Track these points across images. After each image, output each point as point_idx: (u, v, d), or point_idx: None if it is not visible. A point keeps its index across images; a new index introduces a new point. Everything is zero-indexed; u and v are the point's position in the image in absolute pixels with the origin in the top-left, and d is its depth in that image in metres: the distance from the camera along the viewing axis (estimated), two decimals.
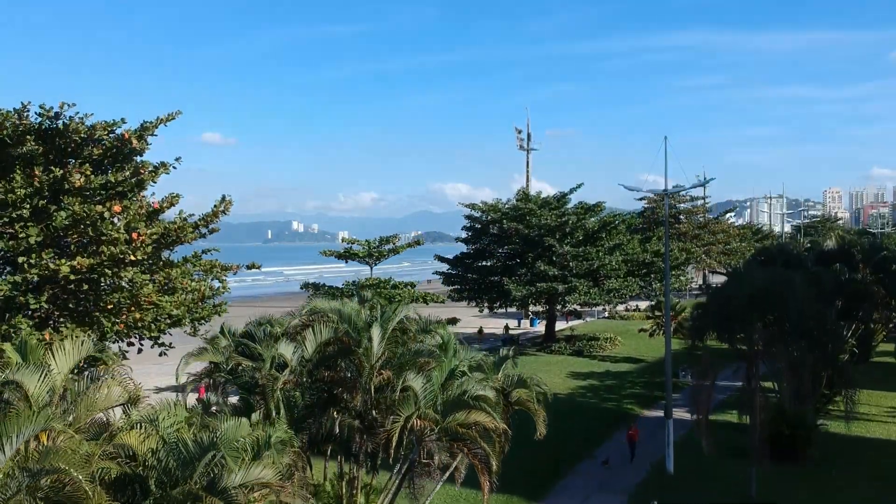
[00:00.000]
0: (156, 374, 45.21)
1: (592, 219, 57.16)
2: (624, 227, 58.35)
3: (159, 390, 47.65)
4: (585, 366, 51.95)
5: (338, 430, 17.15)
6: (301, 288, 44.86)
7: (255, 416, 16.39)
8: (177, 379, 18.70)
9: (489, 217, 57.37)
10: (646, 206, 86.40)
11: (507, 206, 61.56)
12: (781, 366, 26.04)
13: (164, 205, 24.80)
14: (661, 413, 38.75)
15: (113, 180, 22.40)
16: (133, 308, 23.97)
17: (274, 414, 15.33)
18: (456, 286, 62.04)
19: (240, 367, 17.16)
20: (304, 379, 16.59)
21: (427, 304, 41.89)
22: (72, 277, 21.70)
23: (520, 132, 77.51)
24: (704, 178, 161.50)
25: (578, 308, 60.16)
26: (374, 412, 16.22)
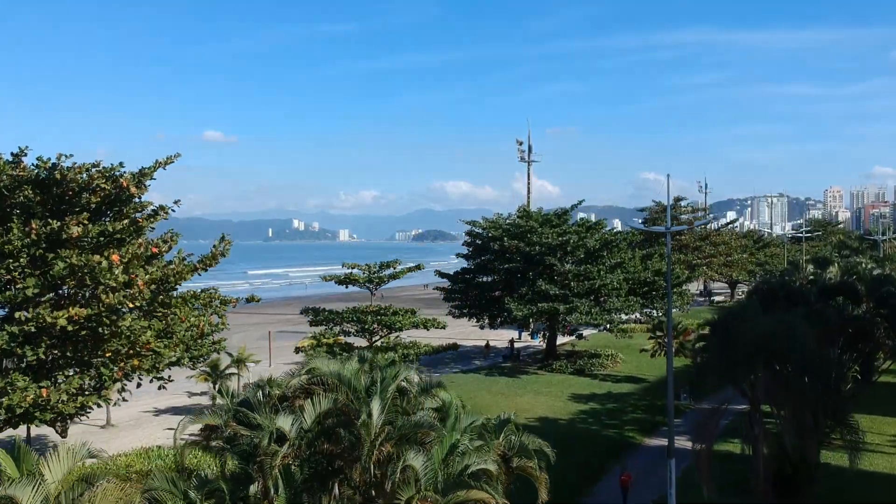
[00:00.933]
0: (154, 395, 45.18)
1: (595, 236, 56.91)
2: (626, 244, 58.09)
3: (158, 412, 47.65)
4: (587, 387, 51.76)
5: None
6: (300, 313, 44.62)
7: (253, 488, 16.22)
8: (174, 442, 18.49)
9: (490, 234, 57.19)
10: (647, 217, 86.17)
11: (507, 221, 61.39)
12: (784, 408, 25.84)
13: (164, 248, 24.69)
14: (662, 441, 38.60)
15: (111, 229, 22.23)
16: (132, 354, 23.84)
17: (272, 492, 15.14)
18: (456, 302, 61.91)
19: (238, 435, 16.96)
20: (304, 451, 16.39)
21: (427, 329, 41.69)
22: (69, 329, 21.55)
23: (521, 143, 77.21)
24: (706, 186, 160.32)
25: (579, 328, 59.96)
26: (372, 491, 16.04)
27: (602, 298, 54.98)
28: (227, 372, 47.64)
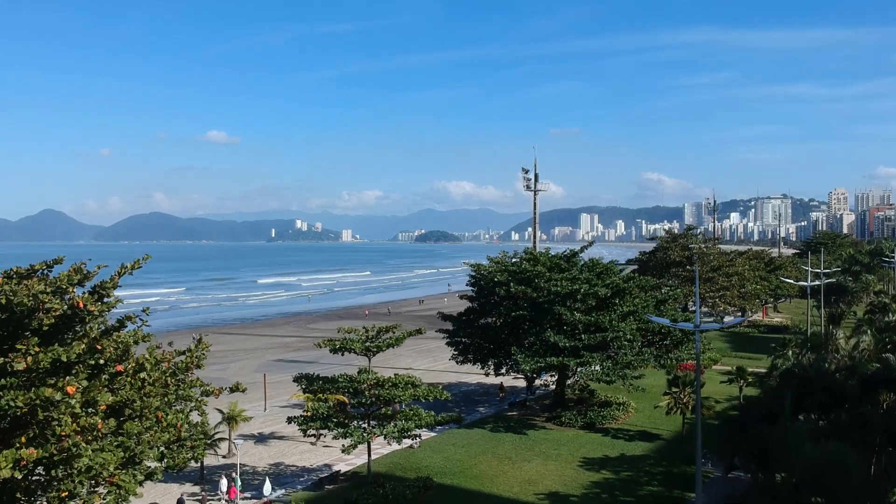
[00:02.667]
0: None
1: (607, 280, 53.94)
2: (638, 289, 55.08)
3: None
4: (598, 447, 48.79)
5: None
6: (293, 381, 41.83)
7: None
8: None
9: (496, 279, 54.32)
10: (657, 246, 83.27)
11: (513, 261, 58.57)
12: None
13: (129, 366, 21.80)
14: None
15: (64, 359, 19.37)
16: (92, 489, 21.01)
17: None
18: (460, 347, 59.15)
19: None
20: None
21: (430, 400, 38.88)
22: (17, 475, 18.76)
23: (526, 172, 74.38)
24: (714, 203, 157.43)
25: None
26: None
27: (614, 351, 52.08)
28: (216, 436, 44.75)
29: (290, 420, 40.58)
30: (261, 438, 54.25)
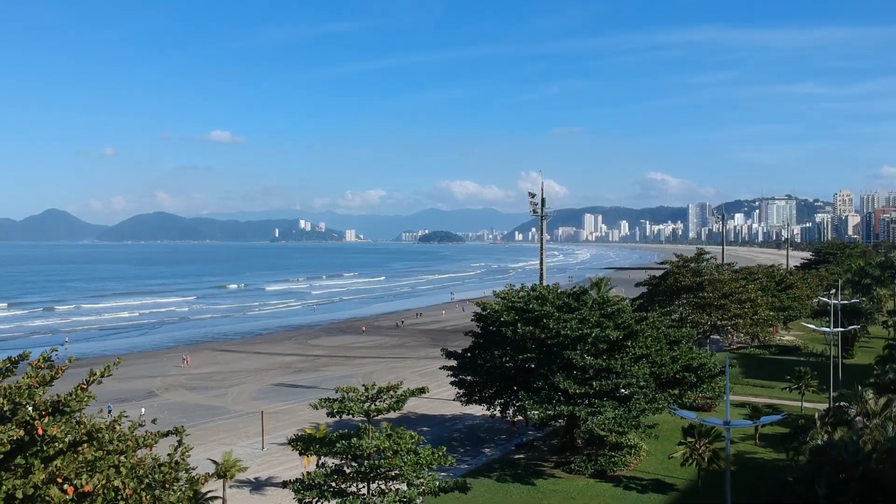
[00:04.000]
0: None
1: (619, 319, 51.59)
2: (651, 330, 52.70)
3: None
4: (610, 500, 46.44)
5: None
6: (288, 443, 39.42)
7: None
8: None
9: (503, 318, 52.04)
10: (667, 270, 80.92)
11: (520, 295, 56.24)
12: None
13: (99, 483, 19.52)
14: None
15: (20, 496, 17.14)
16: None
17: None
18: (466, 387, 56.87)
19: None
20: None
21: (434, 467, 36.55)
22: None
23: (532, 196, 72.14)
24: (723, 217, 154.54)
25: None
26: None
27: (627, 398, 49.71)
28: (208, 496, 42.35)
29: (285, 485, 38.33)
30: (257, 486, 51.92)
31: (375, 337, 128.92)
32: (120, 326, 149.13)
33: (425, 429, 61.66)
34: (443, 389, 75.01)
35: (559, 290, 56.33)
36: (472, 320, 58.97)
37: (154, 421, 26.54)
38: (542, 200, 71.19)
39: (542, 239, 71.91)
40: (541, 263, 70.25)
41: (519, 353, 51.03)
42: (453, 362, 58.52)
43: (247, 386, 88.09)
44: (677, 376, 51.68)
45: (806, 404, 65.37)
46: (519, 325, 51.37)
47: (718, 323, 73.79)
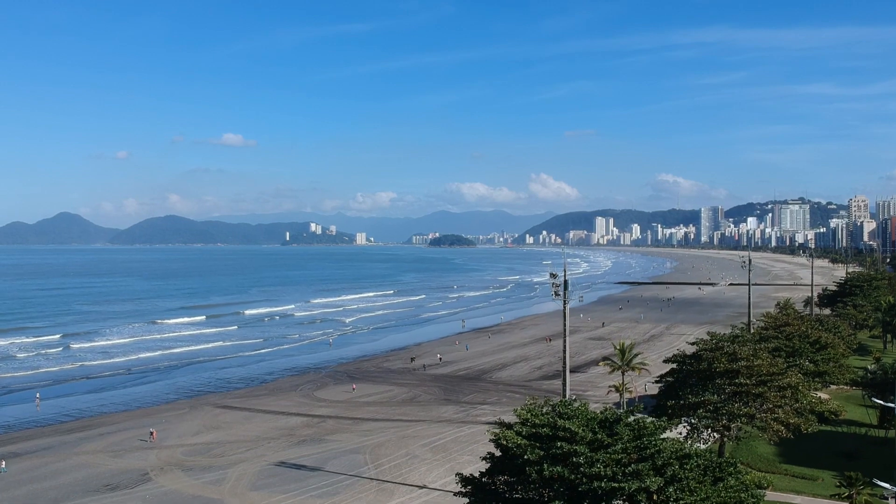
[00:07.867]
0: None
1: (659, 463, 45.51)
2: (695, 471, 46.51)
3: None
4: None
5: None
6: None
7: None
8: None
9: (526, 456, 46.24)
10: (697, 351, 75.06)
11: (544, 414, 50.42)
12: None
13: None
14: None
15: None
16: None
17: None
18: None
19: None
20: None
21: None
22: None
23: (554, 277, 66.59)
24: (748, 263, 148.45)
25: None
26: None
27: None
28: None
29: None
30: None
31: (384, 387, 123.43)
32: (117, 365, 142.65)
33: None
34: (458, 466, 69.89)
35: (588, 415, 50.50)
36: (490, 442, 53.19)
37: None
38: (565, 282, 65.74)
39: (565, 341, 66.59)
40: (564, 366, 64.86)
41: (545, 500, 45.27)
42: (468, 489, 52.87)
43: (247, 466, 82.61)
44: None
45: None
46: (545, 464, 45.57)
47: (756, 415, 67.64)
